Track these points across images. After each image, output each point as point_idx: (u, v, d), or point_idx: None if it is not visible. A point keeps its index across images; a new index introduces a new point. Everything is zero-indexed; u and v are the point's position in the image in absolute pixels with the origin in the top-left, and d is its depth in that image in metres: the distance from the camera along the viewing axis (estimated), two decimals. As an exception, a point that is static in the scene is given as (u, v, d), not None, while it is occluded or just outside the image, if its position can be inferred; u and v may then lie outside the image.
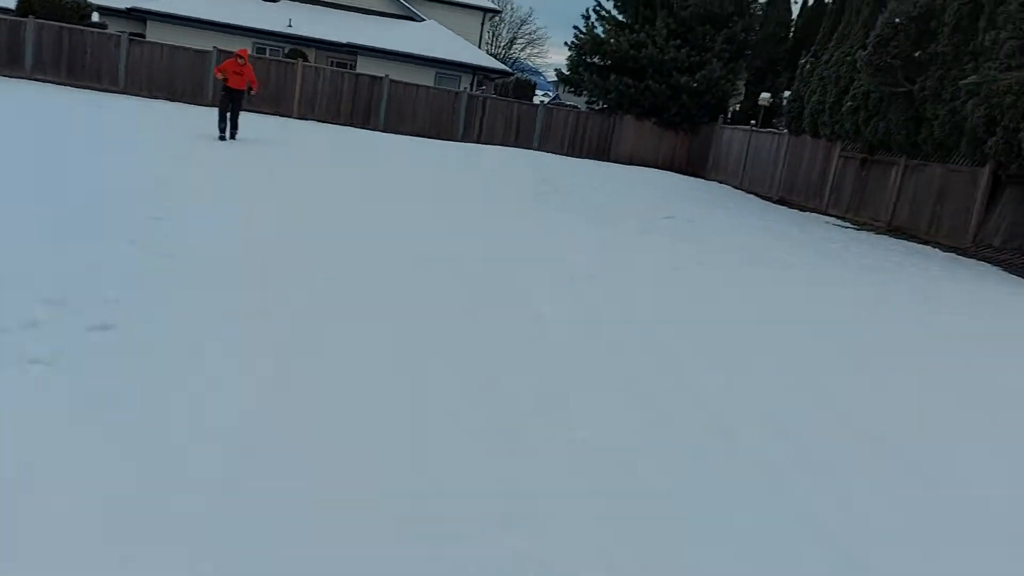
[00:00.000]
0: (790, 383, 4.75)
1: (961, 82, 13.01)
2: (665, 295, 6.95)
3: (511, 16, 55.07)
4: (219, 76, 14.85)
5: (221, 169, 10.90)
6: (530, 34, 56.13)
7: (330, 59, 28.13)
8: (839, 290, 8.45)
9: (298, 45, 27.50)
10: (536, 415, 3.74)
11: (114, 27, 26.14)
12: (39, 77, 22.31)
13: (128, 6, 27.26)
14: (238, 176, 10.38)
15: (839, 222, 15.94)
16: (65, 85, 22.20)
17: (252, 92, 15.10)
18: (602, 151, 25.35)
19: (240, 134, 14.90)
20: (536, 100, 40.66)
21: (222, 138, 14.37)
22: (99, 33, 23.29)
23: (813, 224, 15.11)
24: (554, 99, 49.22)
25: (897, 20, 14.55)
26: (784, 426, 4.00)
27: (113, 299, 4.43)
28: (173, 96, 22.89)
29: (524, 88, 32.98)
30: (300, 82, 24.01)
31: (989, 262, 12.06)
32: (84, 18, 24.70)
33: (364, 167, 14.09)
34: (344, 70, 25.29)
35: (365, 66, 27.01)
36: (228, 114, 14.52)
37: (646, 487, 3.18)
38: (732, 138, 22.39)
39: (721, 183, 22.07)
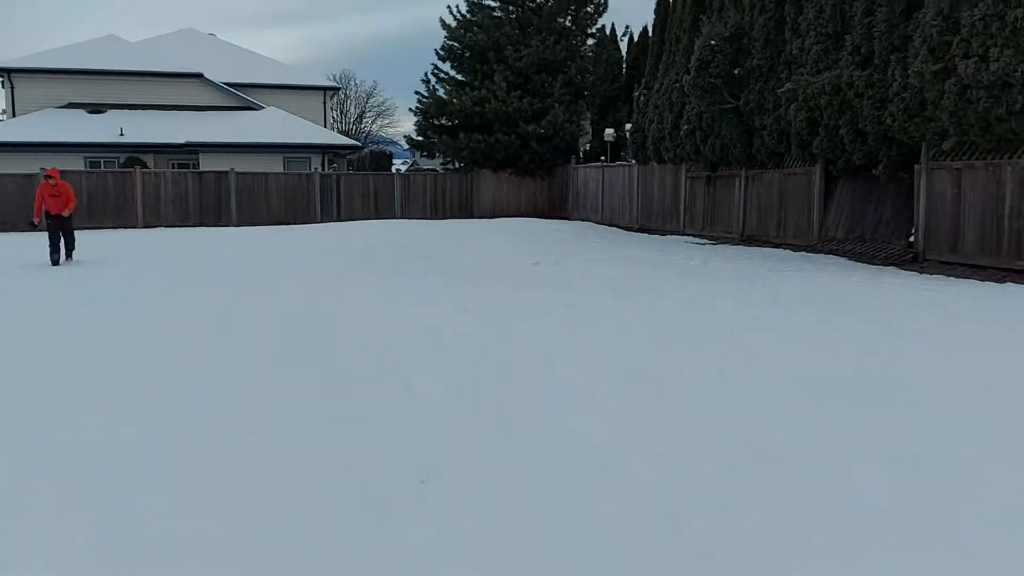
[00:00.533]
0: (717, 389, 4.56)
1: (779, 90, 13.76)
2: (542, 343, 6.72)
3: (356, 91, 55.28)
4: (41, 207, 13.69)
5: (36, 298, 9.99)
6: (379, 106, 56.50)
7: (171, 162, 27.10)
8: (703, 305, 8.50)
9: (134, 153, 26.37)
10: (418, 494, 3.34)
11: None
12: None
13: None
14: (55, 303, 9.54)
15: (697, 240, 16.41)
16: None
17: (67, 212, 13.67)
18: (465, 208, 25.42)
19: (78, 254, 13.83)
20: (394, 169, 40.73)
21: (55, 263, 13.26)
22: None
23: (673, 246, 15.46)
24: (412, 165, 49.48)
25: (712, 42, 15.32)
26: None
27: None
28: (3, 225, 21.29)
29: (380, 159, 33.02)
30: (141, 189, 22.96)
31: (835, 254, 12.61)
32: None
33: (201, 266, 13.35)
34: (187, 171, 24.41)
35: (209, 163, 26.15)
36: (59, 239, 13.50)
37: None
38: (587, 176, 22.92)
39: (583, 220, 22.48)
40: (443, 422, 4.55)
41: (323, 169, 27.61)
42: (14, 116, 27.90)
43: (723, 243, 15.46)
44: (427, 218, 24.60)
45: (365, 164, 42.07)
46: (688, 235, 17.25)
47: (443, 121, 25.28)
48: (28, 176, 21.76)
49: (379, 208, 24.83)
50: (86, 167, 25.29)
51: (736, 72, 15.23)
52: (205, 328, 7.57)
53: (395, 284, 10.62)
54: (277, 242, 17.45)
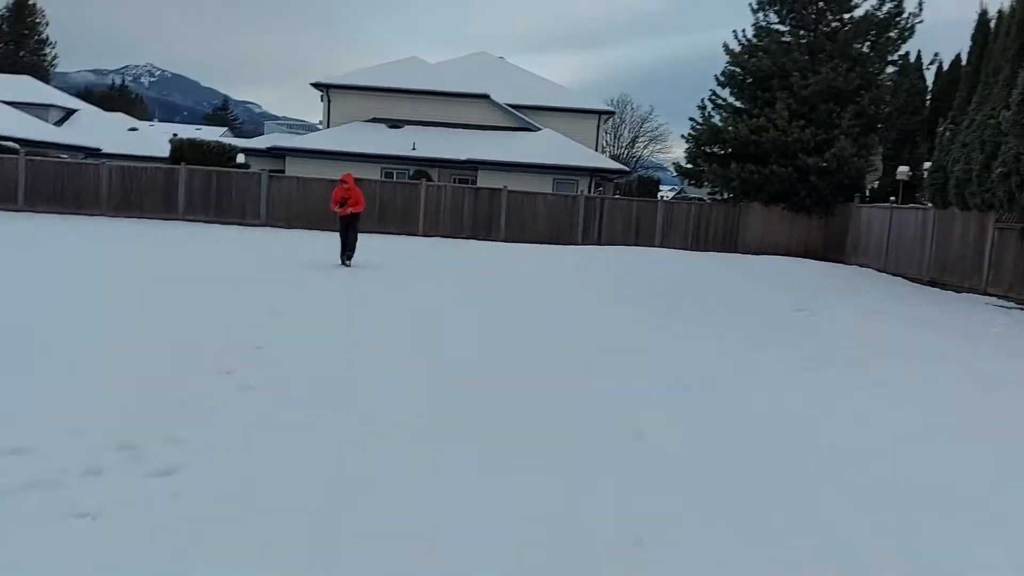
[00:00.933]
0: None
1: None
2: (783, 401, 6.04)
3: (631, 116, 55.66)
4: (336, 208, 15.11)
5: (318, 297, 11.00)
6: (652, 131, 56.30)
7: (453, 176, 29.08)
8: (1006, 390, 7.12)
9: (422, 166, 28.66)
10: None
11: (256, 166, 28.33)
12: (190, 217, 24.22)
13: (268, 146, 29.56)
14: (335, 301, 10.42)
15: (1001, 302, 14.09)
16: (213, 223, 23.92)
17: (351, 210, 14.95)
18: (728, 242, 24.31)
19: (361, 258, 15.06)
20: (660, 196, 40.29)
21: (344, 263, 14.64)
22: (242, 173, 25.20)
23: (972, 307, 13.40)
24: (679, 193, 48.58)
25: (1043, 74, 13.12)
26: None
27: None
28: (310, 224, 24.05)
29: (647, 185, 32.70)
30: (424, 201, 24.79)
31: None
32: (230, 160, 26.94)
33: (479, 287, 13.95)
34: (465, 186, 25.95)
35: (485, 179, 27.67)
36: (348, 241, 14.80)
37: None
38: (871, 217, 20.80)
39: (863, 266, 20.41)
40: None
41: (589, 192, 27.99)
42: (328, 127, 31.67)
43: (1036, 309, 13.10)
44: (687, 248, 23.90)
45: (632, 189, 42.09)
46: (991, 295, 14.90)
47: (715, 149, 24.40)
48: (332, 182, 24.48)
49: (639, 234, 24.57)
50: (381, 176, 27.91)
51: (1073, 110, 12.87)
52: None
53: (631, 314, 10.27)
54: (543, 263, 17.87)
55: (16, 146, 27.14)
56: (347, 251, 14.80)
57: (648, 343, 8.62)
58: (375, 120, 31.20)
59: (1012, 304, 13.77)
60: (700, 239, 24.51)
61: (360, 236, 15.32)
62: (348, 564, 3.19)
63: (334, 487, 3.98)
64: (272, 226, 24.13)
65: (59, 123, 41.15)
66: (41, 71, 60.49)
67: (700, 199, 27.99)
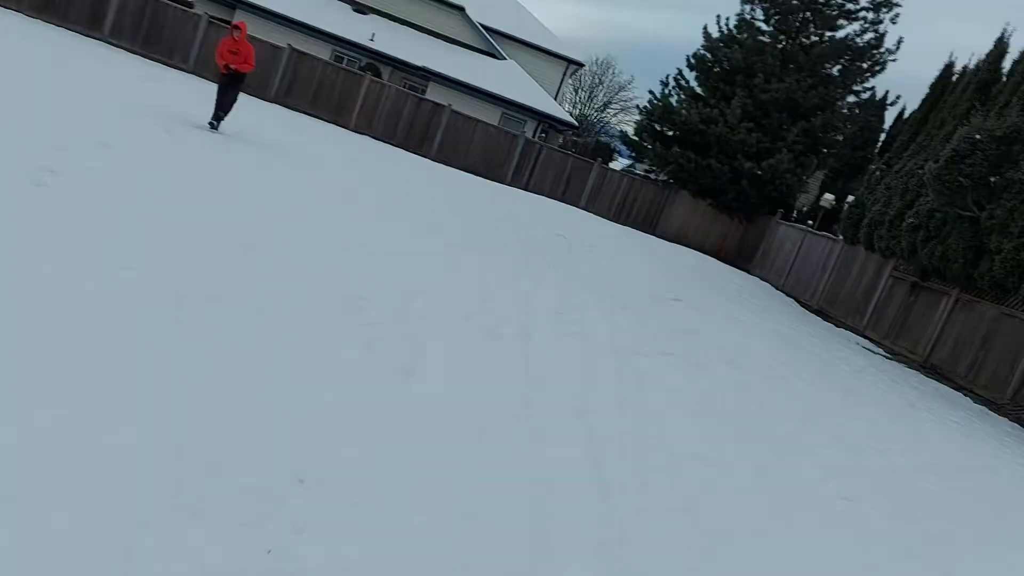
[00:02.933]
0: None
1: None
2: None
3: (610, 80, 54.73)
4: (220, 62, 12.74)
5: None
6: (626, 101, 55.50)
7: (404, 81, 27.90)
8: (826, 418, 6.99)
9: (375, 60, 27.38)
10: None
11: (202, 9, 26.53)
12: (114, 41, 22.52)
13: (222, -8, 27.72)
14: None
15: (872, 346, 14.24)
16: (137, 54, 22.33)
17: (233, 69, 12.65)
18: (649, 223, 24.13)
19: (255, 131, 13.93)
20: (614, 166, 39.85)
21: (211, 126, 12.29)
22: (181, 11, 23.50)
23: (840, 343, 13.47)
24: (630, 167, 48.40)
25: (977, 136, 13.02)
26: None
27: None
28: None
29: (603, 151, 32.24)
30: (363, 96, 23.68)
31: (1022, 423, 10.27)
32: (177, -6, 25.02)
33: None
34: (409, 92, 24.88)
35: (435, 93, 26.63)
36: (224, 99, 12.48)
37: None
38: (786, 236, 20.85)
39: (764, 280, 20.51)
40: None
41: (533, 136, 27.30)
42: (287, -8, 29.82)
43: (899, 361, 13.26)
44: (608, 218, 23.62)
45: (587, 150, 41.57)
46: (865, 337, 15.06)
47: (664, 128, 24.01)
48: (275, 48, 23.08)
49: (567, 192, 24.14)
50: (331, 58, 26.53)
51: (992, 179, 12.85)
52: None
53: (500, 261, 9.85)
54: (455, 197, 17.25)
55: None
56: (219, 111, 12.44)
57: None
58: (342, -1, 29.58)
59: (880, 352, 13.91)
60: (623, 212, 24.23)
61: (283, 111, 13.72)
62: None
63: None
64: (200, 76, 22.63)
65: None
66: None
67: (630, 172, 27.64)
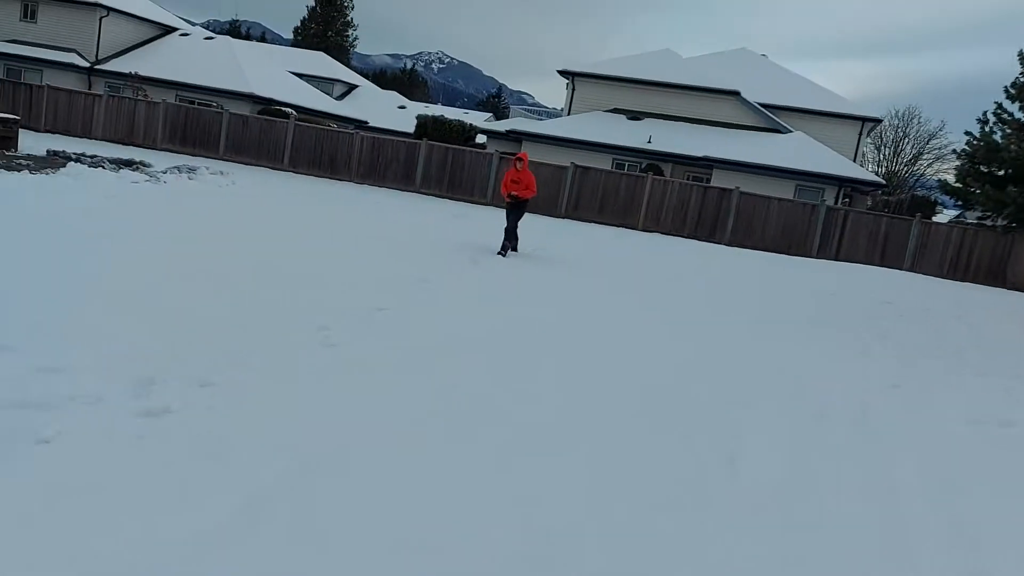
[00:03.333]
0: None
1: None
2: None
3: (916, 130, 49.86)
4: (504, 192, 13.83)
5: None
6: (939, 149, 49.78)
7: (687, 173, 27.80)
8: None
9: (655, 160, 27.72)
10: None
11: (493, 147, 29.13)
12: (425, 190, 25.42)
13: (507, 128, 30.27)
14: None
15: None
16: (444, 198, 24.90)
17: (515, 196, 13.55)
18: (994, 274, 20.74)
19: (548, 250, 14.46)
20: (938, 219, 35.63)
21: (500, 253, 13.02)
22: (475, 153, 25.94)
23: None
24: (958, 216, 42.76)
25: None
26: None
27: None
28: (532, 208, 24.14)
29: (921, 206, 29.07)
30: (647, 195, 23.90)
31: None
32: (468, 139, 27.90)
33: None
34: (693, 183, 24.63)
35: (721, 179, 26.10)
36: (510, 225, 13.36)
37: None
38: None
39: None
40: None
41: (836, 203, 25.35)
42: (568, 114, 31.76)
43: None
44: (941, 276, 20.79)
45: (903, 208, 37.63)
46: None
47: (992, 168, 20.86)
48: (559, 168, 24.40)
49: (886, 254, 21.76)
50: (611, 167, 27.40)
51: None
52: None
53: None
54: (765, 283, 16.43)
55: (291, 111, 30.19)
56: (506, 240, 13.26)
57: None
58: (616, 111, 30.72)
59: None
60: (959, 267, 21.15)
61: (573, 224, 14.28)
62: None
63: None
64: (497, 206, 24.50)
65: (340, 97, 45.50)
66: (343, 51, 67.53)
67: (961, 222, 24.19)
